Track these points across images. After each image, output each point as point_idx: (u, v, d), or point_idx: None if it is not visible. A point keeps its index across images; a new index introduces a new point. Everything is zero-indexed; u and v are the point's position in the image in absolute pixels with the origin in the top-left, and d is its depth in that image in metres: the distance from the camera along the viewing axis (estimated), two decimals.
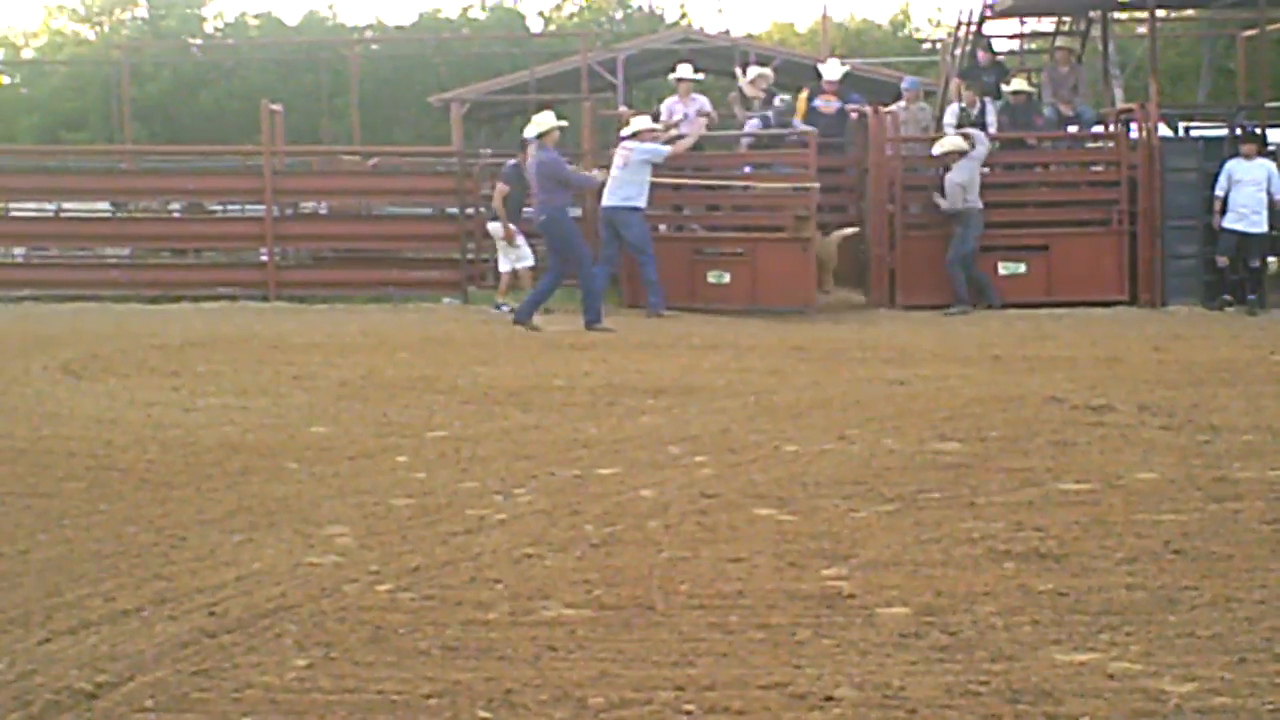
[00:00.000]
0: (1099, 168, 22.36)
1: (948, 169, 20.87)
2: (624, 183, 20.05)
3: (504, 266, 21.61)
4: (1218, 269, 20.99)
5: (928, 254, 21.12)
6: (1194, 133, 23.27)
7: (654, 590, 6.57)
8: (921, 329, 18.61)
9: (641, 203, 20.10)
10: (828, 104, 22.44)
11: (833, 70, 22.87)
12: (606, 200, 20.15)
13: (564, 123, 20.38)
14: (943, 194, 20.88)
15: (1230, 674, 5.47)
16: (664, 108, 22.72)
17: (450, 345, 16.83)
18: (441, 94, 34.86)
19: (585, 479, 9.03)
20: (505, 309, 20.58)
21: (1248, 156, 20.69)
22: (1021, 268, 21.39)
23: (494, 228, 21.60)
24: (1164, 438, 10.34)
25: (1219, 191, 20.77)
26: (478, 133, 36.00)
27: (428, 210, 24.44)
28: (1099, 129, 23.07)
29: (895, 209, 21.39)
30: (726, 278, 20.97)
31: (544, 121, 19.33)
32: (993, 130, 21.71)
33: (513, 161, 21.10)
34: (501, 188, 21.10)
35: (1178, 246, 21.42)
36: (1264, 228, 20.67)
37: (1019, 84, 21.81)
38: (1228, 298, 20.91)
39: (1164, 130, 22.45)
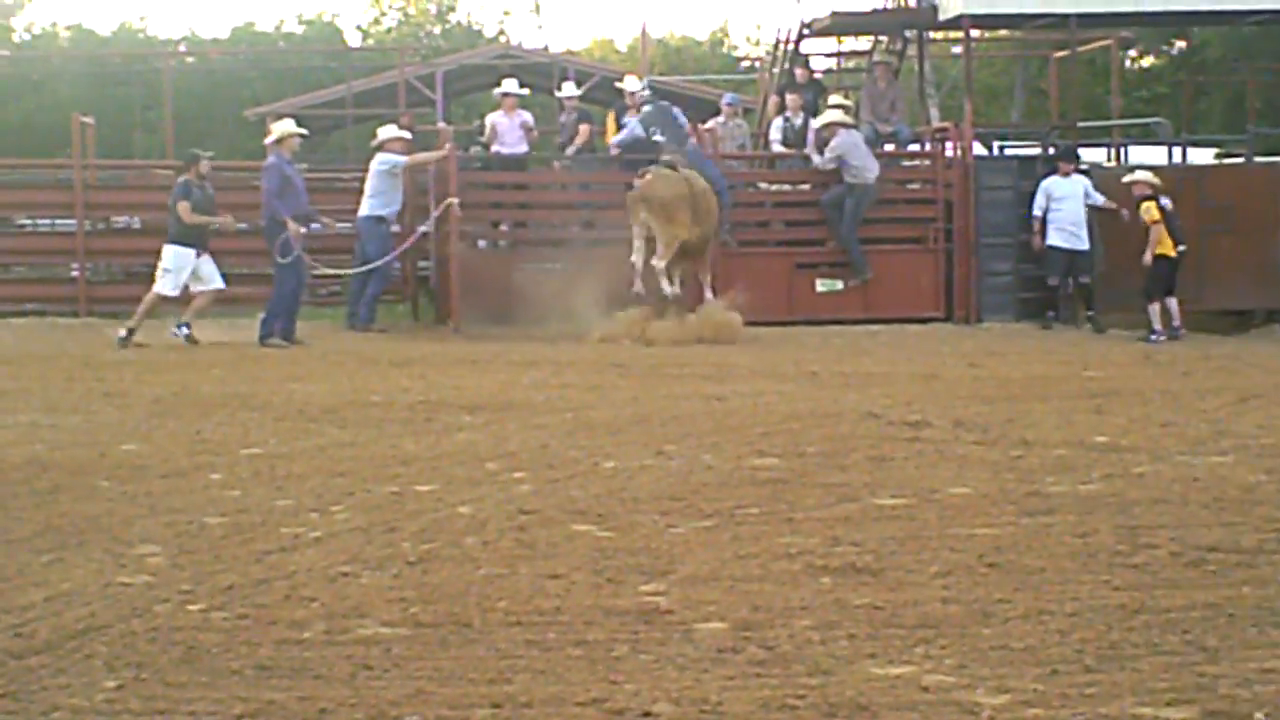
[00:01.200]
0: (915, 186, 22.61)
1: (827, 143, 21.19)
2: (368, 194, 20.74)
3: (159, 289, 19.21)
4: (1048, 287, 21.22)
5: (750, 269, 21.20)
6: (1008, 152, 23.59)
7: (471, 608, 6.52)
8: (740, 345, 18.68)
9: (384, 213, 20.70)
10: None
11: (632, 84, 22.93)
12: (359, 211, 20.82)
13: (407, 134, 20.82)
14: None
15: (1043, 685, 5.53)
16: (488, 122, 22.77)
17: (265, 361, 16.67)
18: (257, 108, 34.54)
19: (402, 496, 8.95)
20: (185, 330, 18.94)
21: (1064, 175, 20.95)
22: (839, 285, 21.57)
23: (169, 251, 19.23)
24: (978, 453, 10.45)
25: (1037, 211, 21.03)
26: None
27: (243, 225, 24.13)
28: (915, 147, 23.33)
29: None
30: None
31: (279, 128, 19.72)
32: (810, 148, 21.88)
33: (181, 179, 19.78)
34: (185, 204, 19.04)
35: (992, 264, 21.71)
36: (1088, 244, 20.96)
37: (832, 115, 21.94)
38: (1053, 314, 21.18)
39: (979, 149, 22.75)
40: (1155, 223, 19.81)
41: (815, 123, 21.56)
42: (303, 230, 19.01)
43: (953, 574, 7.10)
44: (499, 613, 6.46)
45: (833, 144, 21.04)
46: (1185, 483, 9.33)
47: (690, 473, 9.67)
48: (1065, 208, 20.76)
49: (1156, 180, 20.10)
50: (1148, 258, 19.94)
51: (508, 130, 22.26)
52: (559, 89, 23.89)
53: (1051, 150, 22.03)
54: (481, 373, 15.53)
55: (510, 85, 22.97)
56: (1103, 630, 6.19)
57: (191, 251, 18.98)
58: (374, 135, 21.55)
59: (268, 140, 19.95)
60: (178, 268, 18.95)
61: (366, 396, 13.45)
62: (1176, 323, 19.79)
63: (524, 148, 22.33)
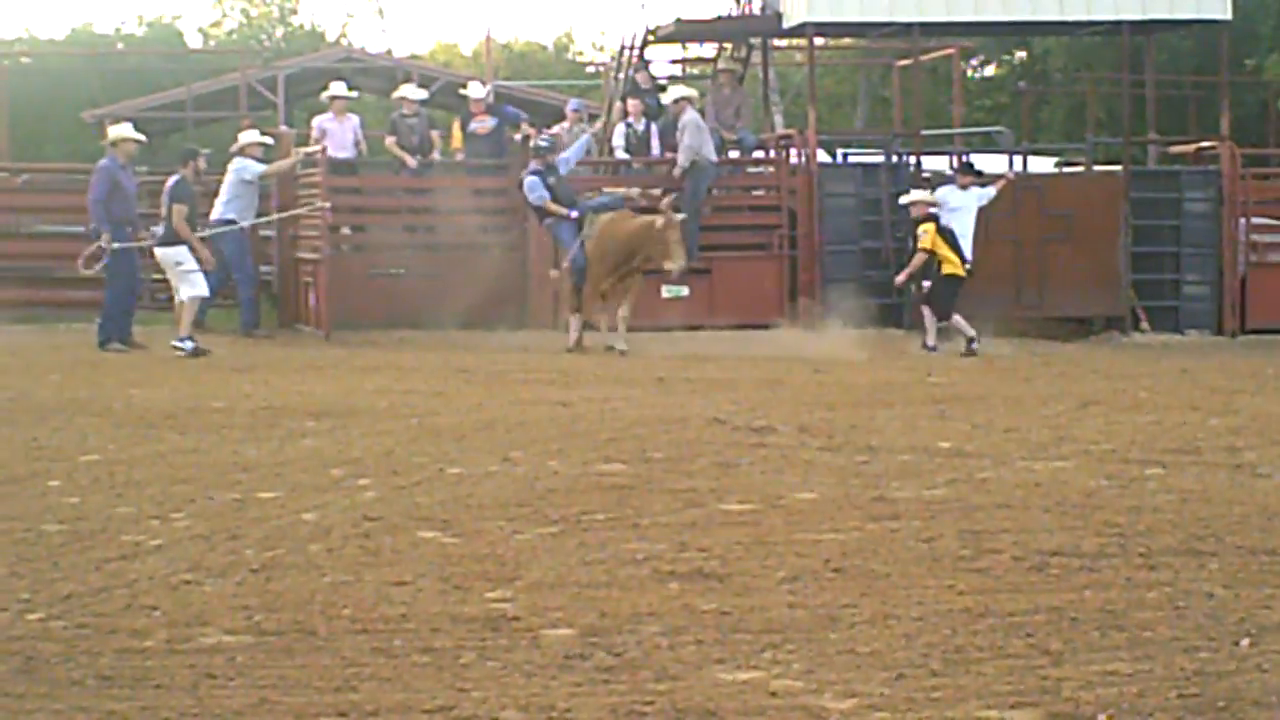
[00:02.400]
0: (760, 192, 22.70)
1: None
2: (222, 198, 20.58)
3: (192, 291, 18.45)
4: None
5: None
6: (852, 159, 23.72)
7: (316, 615, 6.47)
8: (586, 352, 18.67)
9: (237, 219, 20.49)
10: (482, 123, 22.35)
11: (476, 89, 22.85)
12: (212, 215, 20.54)
13: (269, 139, 20.80)
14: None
15: (889, 690, 5.56)
16: (315, 125, 22.52)
17: (104, 367, 16.44)
18: (95, 110, 34.06)
19: (245, 503, 8.86)
20: (190, 345, 17.87)
21: (962, 187, 20.83)
22: (684, 290, 21.58)
23: (172, 253, 18.45)
24: (824, 458, 10.52)
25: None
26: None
27: (80, 228, 23.79)
28: (760, 154, 23.42)
29: None
30: None
31: (115, 132, 19.59)
32: (655, 151, 21.94)
33: (176, 177, 19.34)
34: (180, 208, 18.40)
35: (836, 270, 21.82)
36: (970, 255, 20.84)
37: (679, 90, 21.99)
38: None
39: (823, 156, 22.87)
40: (924, 250, 19.84)
41: (665, 98, 21.64)
42: (133, 233, 18.79)
43: (799, 579, 7.12)
44: (344, 620, 6.41)
45: (682, 120, 21.03)
46: (1028, 488, 9.44)
47: (536, 479, 9.65)
48: (958, 219, 20.70)
49: (934, 199, 20.21)
50: (901, 279, 20.17)
51: (337, 134, 22.05)
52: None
53: (956, 160, 22.06)
54: (325, 378, 15.43)
55: (338, 88, 22.73)
56: (948, 634, 6.24)
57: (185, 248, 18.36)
58: (234, 139, 21.34)
59: (104, 142, 19.70)
60: (191, 264, 18.25)
61: (208, 402, 13.31)
62: (971, 333, 19.78)
63: (351, 152, 22.13)
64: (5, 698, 5.46)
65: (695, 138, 20.99)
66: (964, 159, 22.11)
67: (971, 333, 19.61)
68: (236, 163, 20.50)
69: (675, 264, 18.79)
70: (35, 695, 5.49)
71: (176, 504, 8.81)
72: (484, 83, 24.75)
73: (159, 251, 18.52)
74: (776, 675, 5.73)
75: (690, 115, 21.16)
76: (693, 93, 21.81)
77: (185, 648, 6.04)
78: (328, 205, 20.57)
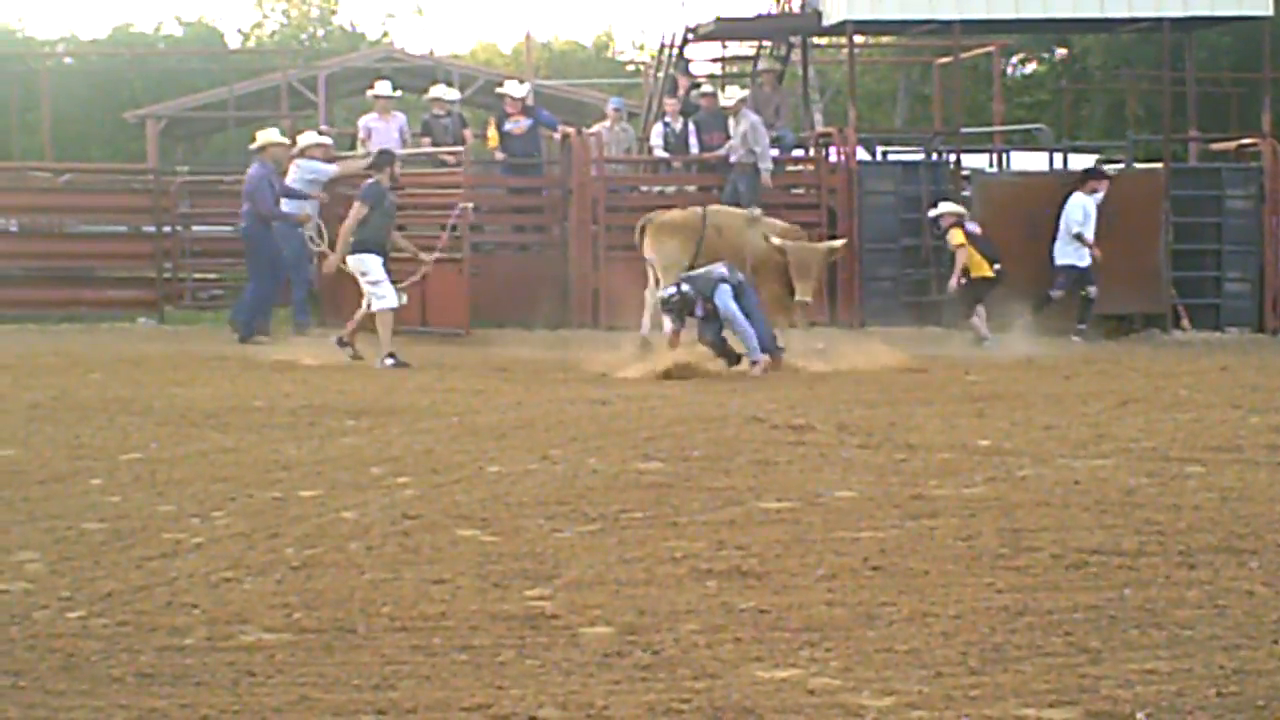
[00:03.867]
0: (799, 190, 22.68)
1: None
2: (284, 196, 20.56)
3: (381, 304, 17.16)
4: (1049, 299, 21.15)
5: (632, 275, 21.18)
6: (891, 157, 23.68)
7: (355, 613, 6.48)
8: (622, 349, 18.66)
9: (298, 214, 20.39)
10: (517, 124, 22.36)
11: (515, 88, 22.86)
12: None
13: (328, 140, 20.94)
14: None
15: (927, 688, 5.55)
16: (361, 125, 22.63)
17: (145, 366, 16.48)
18: (137, 110, 34.19)
19: (285, 501, 8.89)
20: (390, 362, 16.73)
21: (1090, 193, 20.90)
22: None
23: (362, 261, 17.21)
24: (862, 456, 10.50)
25: (1087, 232, 20.93)
26: (175, 149, 35.37)
27: (122, 228, 23.92)
28: (799, 153, 23.40)
29: (599, 230, 21.45)
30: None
31: (262, 137, 20.15)
32: (695, 150, 21.96)
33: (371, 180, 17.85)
34: (361, 208, 17.20)
35: (876, 269, 21.80)
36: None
37: (737, 91, 22.06)
38: (1083, 325, 21.11)
39: (862, 154, 22.84)
40: (959, 247, 19.98)
41: (724, 100, 21.64)
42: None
43: (838, 577, 7.12)
44: (383, 618, 6.43)
45: (744, 124, 21.07)
46: (1067, 486, 9.41)
47: (575, 477, 9.66)
48: (1087, 227, 20.78)
49: (961, 209, 20.31)
50: (953, 284, 20.19)
51: (383, 133, 22.12)
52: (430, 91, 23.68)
53: (1093, 167, 22.05)
54: (365, 377, 15.45)
55: (383, 87, 22.81)
56: (986, 633, 6.23)
57: (380, 258, 17.23)
58: (252, 138, 21.37)
59: (252, 147, 20.47)
60: (377, 273, 17.09)
61: (249, 401, 13.34)
62: (986, 335, 19.88)
63: (400, 151, 22.16)
64: (46, 695, 5.49)
65: (762, 143, 21.06)
66: (1094, 165, 22.03)
67: (986, 334, 19.71)
68: (302, 165, 20.38)
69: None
70: (76, 692, 5.52)
71: (217, 502, 8.84)
72: (522, 81, 24.75)
73: (350, 258, 17.19)
74: (814, 673, 5.73)
75: (752, 117, 21.17)
76: (746, 94, 21.85)
77: (225, 645, 6.06)
78: (470, 205, 20.57)
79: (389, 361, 16.61)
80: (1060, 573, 7.24)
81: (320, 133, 22.06)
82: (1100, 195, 21.00)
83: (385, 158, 17.93)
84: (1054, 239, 20.93)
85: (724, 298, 16.04)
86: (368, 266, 17.11)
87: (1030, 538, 7.93)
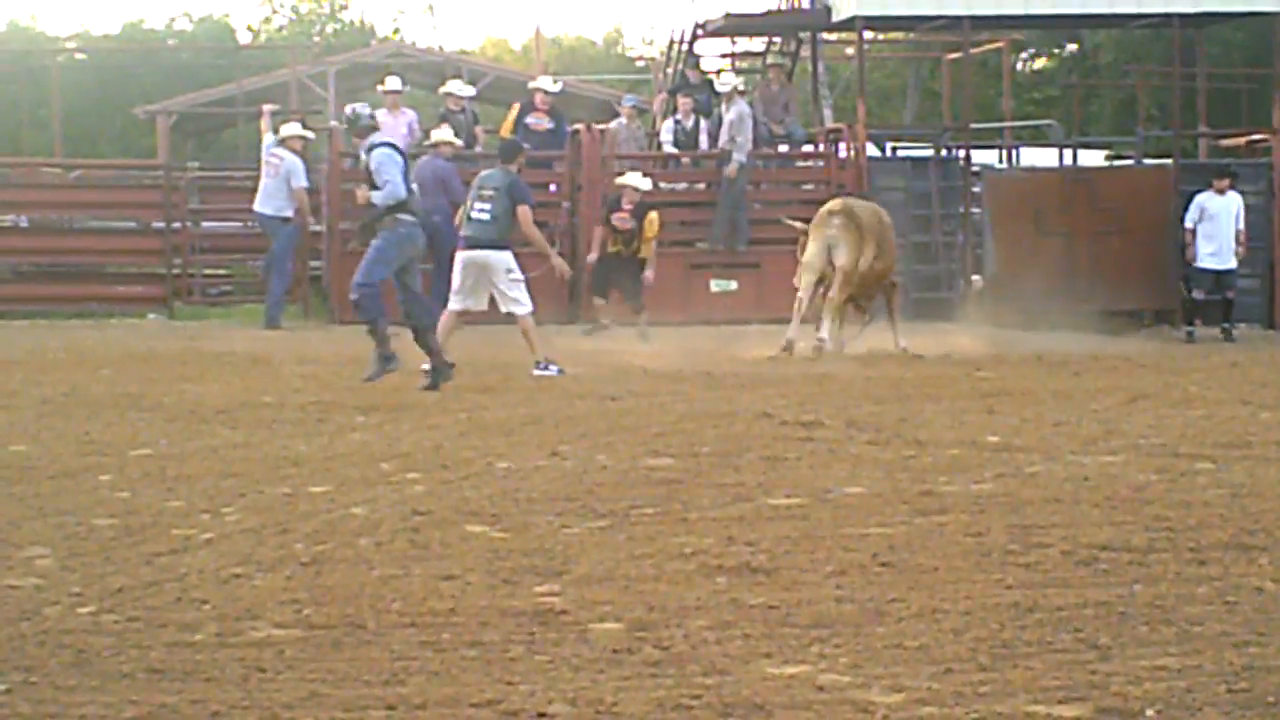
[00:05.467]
0: (809, 186, 22.69)
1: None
2: (274, 192, 20.66)
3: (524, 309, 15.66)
4: (1191, 300, 21.29)
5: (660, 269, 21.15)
6: (901, 153, 23.70)
7: (365, 609, 6.49)
8: (636, 344, 18.67)
9: (290, 213, 20.68)
10: (539, 121, 22.35)
11: (547, 83, 22.86)
12: (257, 207, 20.86)
13: (310, 134, 20.86)
14: None
15: (937, 684, 5.55)
16: None
17: (155, 362, 16.50)
18: (147, 105, 34.20)
19: (295, 497, 8.89)
20: (554, 369, 15.35)
21: (1219, 191, 20.94)
22: (733, 285, 21.61)
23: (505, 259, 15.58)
24: (871, 452, 10.50)
25: (1189, 224, 21.03)
26: (185, 145, 35.39)
27: (132, 224, 23.94)
28: (809, 148, 23.41)
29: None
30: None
31: (437, 134, 20.70)
32: (705, 147, 21.98)
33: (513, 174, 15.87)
34: (526, 210, 15.67)
35: None
36: (1234, 263, 21.03)
37: (731, 79, 22.12)
38: (1192, 329, 21.16)
39: (872, 150, 22.85)
40: None
41: (720, 86, 21.73)
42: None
43: (847, 573, 7.12)
44: (393, 614, 6.43)
45: (733, 112, 21.13)
46: (1076, 482, 9.41)
47: (585, 473, 9.66)
48: (1216, 225, 20.79)
49: None
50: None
51: (391, 128, 22.11)
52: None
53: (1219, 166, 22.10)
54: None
55: (393, 83, 22.85)
56: (996, 629, 6.23)
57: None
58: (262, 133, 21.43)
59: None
60: (521, 273, 15.63)
61: (258, 397, 13.35)
62: None
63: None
64: (57, 690, 5.49)
65: (744, 134, 21.07)
66: (1225, 166, 22.03)
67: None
68: (287, 159, 20.46)
69: None
70: (86, 688, 5.52)
71: (227, 498, 8.84)
72: (556, 79, 24.72)
73: (493, 257, 15.44)
74: (824, 669, 5.73)
75: (741, 106, 21.20)
76: (740, 83, 21.89)
77: (235, 641, 6.06)
78: (566, 204, 20.65)
79: (552, 369, 15.27)
80: (1070, 569, 7.24)
81: (307, 126, 22.13)
82: (1230, 195, 20.99)
83: (514, 148, 16.33)
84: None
85: None
86: (514, 264, 15.63)
87: (1040, 534, 7.93)
